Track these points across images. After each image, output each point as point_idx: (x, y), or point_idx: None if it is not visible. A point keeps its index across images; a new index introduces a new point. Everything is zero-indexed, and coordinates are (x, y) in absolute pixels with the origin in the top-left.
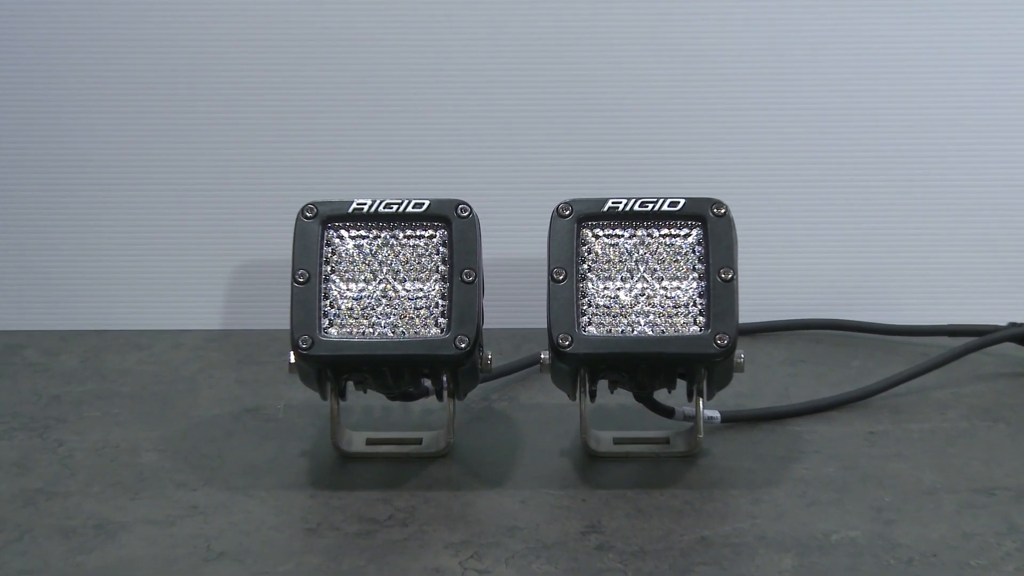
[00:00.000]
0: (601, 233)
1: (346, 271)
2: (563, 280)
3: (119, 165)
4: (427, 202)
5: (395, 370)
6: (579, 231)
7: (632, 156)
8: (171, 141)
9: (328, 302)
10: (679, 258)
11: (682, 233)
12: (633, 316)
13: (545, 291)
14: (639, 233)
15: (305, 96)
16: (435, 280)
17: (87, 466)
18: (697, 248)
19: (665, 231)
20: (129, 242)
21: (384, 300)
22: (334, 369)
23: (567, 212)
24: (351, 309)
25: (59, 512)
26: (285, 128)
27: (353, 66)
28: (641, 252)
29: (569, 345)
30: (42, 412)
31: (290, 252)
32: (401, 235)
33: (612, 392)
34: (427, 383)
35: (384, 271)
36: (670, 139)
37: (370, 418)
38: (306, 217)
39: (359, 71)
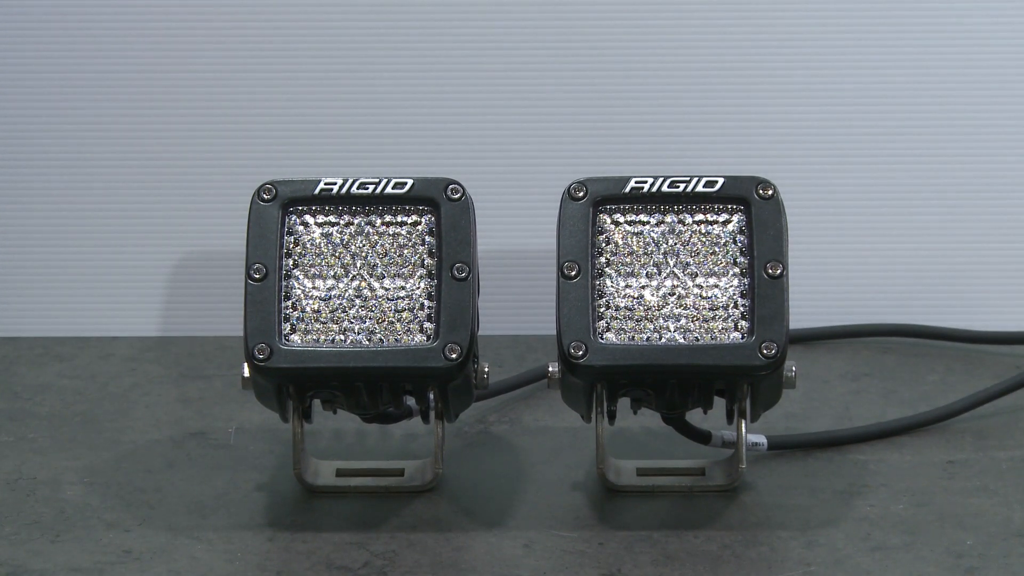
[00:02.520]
0: (622, 219)
1: (312, 265)
2: (576, 276)
3: (28, 137)
4: (410, 181)
5: (371, 386)
6: (595, 217)
7: (658, 126)
8: (92, 105)
9: (290, 303)
10: (717, 250)
11: (721, 219)
12: (661, 320)
13: (554, 290)
14: (668, 219)
15: (260, 53)
16: (420, 276)
17: None
18: (739, 238)
19: (700, 217)
20: (45, 231)
21: (358, 300)
22: (297, 385)
23: (581, 194)
24: (318, 311)
25: None
26: (236, 89)
27: (322, 20)
28: (671, 242)
29: (583, 355)
30: None
31: (243, 242)
32: (379, 221)
33: (636, 413)
34: (410, 402)
35: (358, 265)
36: (702, 107)
37: (341, 444)
38: (263, 199)
39: (329, 26)
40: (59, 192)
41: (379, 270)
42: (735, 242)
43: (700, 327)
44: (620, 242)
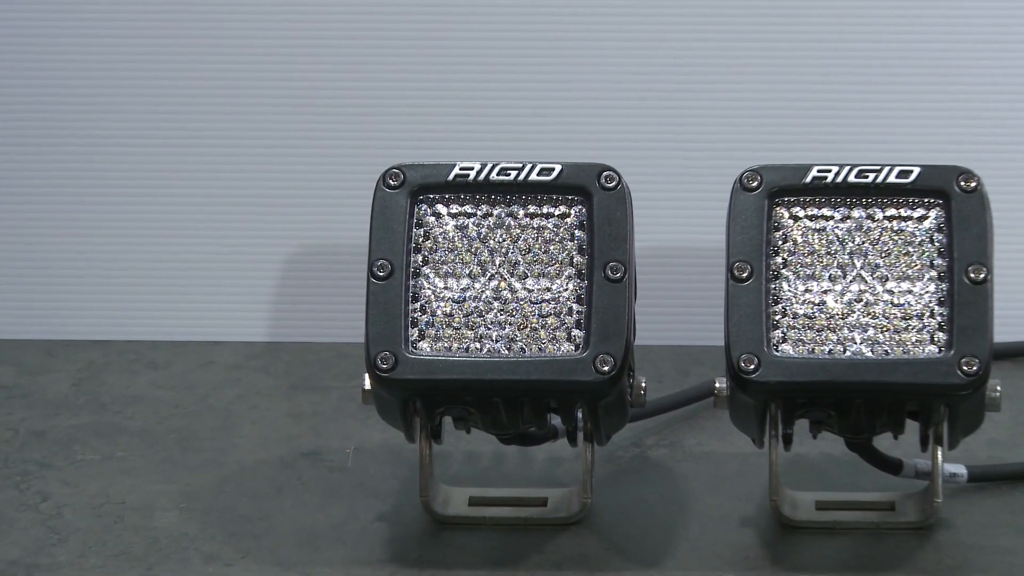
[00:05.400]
0: (802, 214)
1: (444, 262)
2: (748, 279)
3: (127, 117)
4: (558, 167)
5: (511, 402)
6: (771, 210)
7: (843, 108)
8: (200, 90)
9: (418, 305)
10: (911, 250)
11: (916, 215)
12: (846, 330)
13: (723, 294)
14: (855, 214)
15: (390, 22)
16: (568, 276)
17: (81, 530)
18: (936, 236)
19: (892, 212)
20: (140, 225)
21: (497, 303)
22: (425, 399)
23: (755, 184)
24: (450, 315)
25: None
26: (358, 65)
27: None
28: (858, 241)
29: (755, 370)
30: (19, 454)
31: (366, 236)
32: (522, 213)
33: (815, 437)
34: (555, 421)
35: (497, 263)
36: (893, 88)
37: (475, 469)
38: (389, 186)
39: None
40: (150, 177)
41: (521, 269)
42: (932, 241)
43: (891, 339)
44: (799, 240)
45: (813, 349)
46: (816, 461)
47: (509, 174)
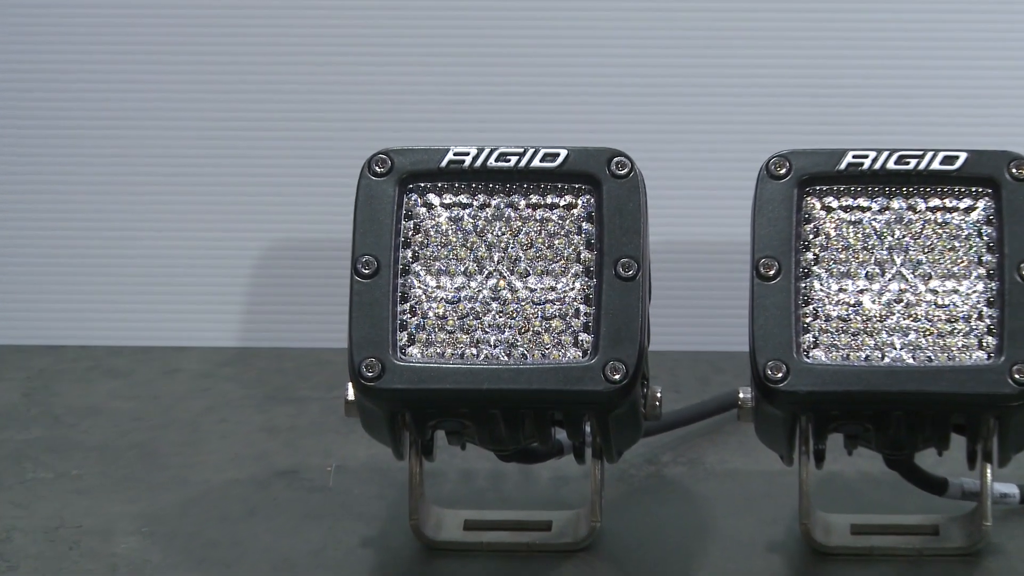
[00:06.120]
0: (836, 204)
1: (436, 258)
2: (776, 277)
3: (86, 111)
4: (564, 152)
5: (511, 414)
6: (801, 201)
7: (881, 88)
8: (164, 77)
9: (408, 306)
10: (957, 244)
11: (962, 206)
12: (884, 334)
13: (747, 294)
14: (895, 205)
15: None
16: (575, 274)
17: (33, 556)
18: (985, 230)
19: (936, 202)
20: (97, 219)
21: (495, 304)
22: (416, 411)
23: (783, 171)
24: (444, 318)
25: None
26: (340, 39)
27: None
28: (898, 235)
29: (783, 378)
30: None
31: (349, 229)
32: (523, 203)
33: (850, 453)
34: (560, 436)
35: (496, 259)
36: (935, 65)
37: (471, 489)
38: (375, 173)
39: None
40: (107, 167)
41: (522, 265)
42: (980, 235)
43: (934, 344)
44: (833, 233)
45: (848, 355)
46: (851, 480)
47: (509, 160)
